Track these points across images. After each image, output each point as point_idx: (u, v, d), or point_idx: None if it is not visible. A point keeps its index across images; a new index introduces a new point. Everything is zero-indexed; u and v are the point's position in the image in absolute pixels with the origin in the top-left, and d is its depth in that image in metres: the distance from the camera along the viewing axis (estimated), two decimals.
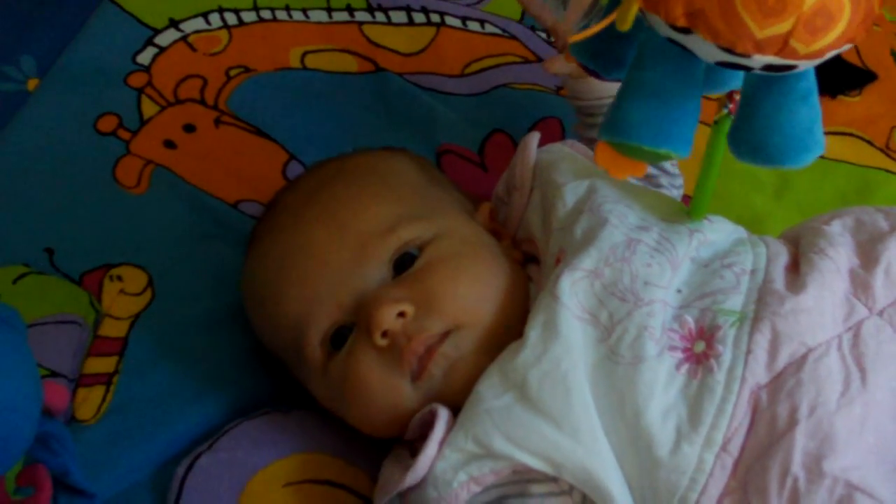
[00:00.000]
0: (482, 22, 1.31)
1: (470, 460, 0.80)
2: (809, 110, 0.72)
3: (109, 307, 1.01)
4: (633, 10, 0.68)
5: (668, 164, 1.03)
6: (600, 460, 0.78)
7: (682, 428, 0.77)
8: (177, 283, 1.04)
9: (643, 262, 0.84)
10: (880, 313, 0.81)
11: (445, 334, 0.84)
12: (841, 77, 1.25)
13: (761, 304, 0.81)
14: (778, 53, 0.66)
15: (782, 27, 0.65)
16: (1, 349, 0.76)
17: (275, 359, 0.95)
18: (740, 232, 0.91)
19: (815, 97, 0.73)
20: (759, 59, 0.67)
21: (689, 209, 0.88)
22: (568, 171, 0.93)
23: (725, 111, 0.78)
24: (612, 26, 0.70)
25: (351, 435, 0.90)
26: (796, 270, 0.85)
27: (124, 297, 1.02)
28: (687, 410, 0.78)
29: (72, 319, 0.98)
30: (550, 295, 0.82)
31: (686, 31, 0.67)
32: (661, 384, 0.79)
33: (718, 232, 0.89)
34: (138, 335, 0.99)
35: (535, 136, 0.97)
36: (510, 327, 0.85)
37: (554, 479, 0.79)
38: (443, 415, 0.82)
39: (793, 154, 0.72)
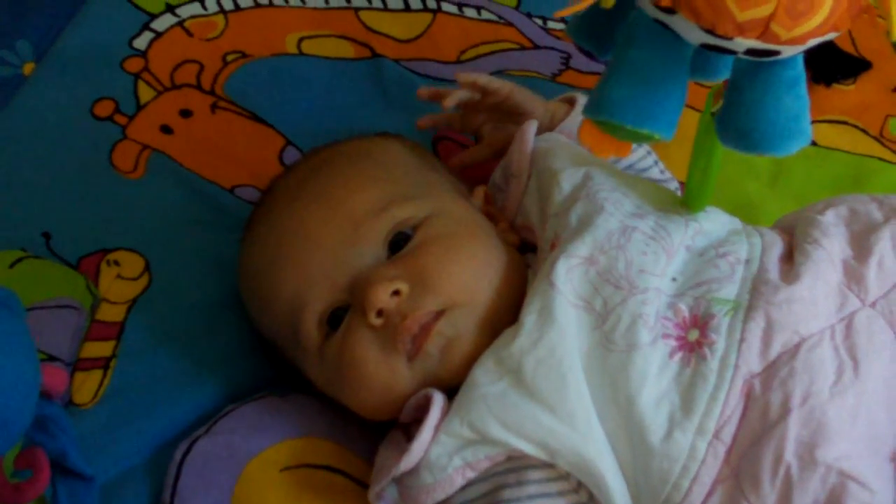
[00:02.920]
0: (478, 8, 1.31)
1: (465, 446, 0.80)
2: (795, 99, 0.72)
3: (106, 292, 1.01)
4: None
5: (656, 170, 1.03)
6: (595, 447, 0.78)
7: (675, 415, 0.78)
8: (174, 268, 1.04)
9: (638, 249, 0.84)
10: (872, 305, 0.81)
11: (440, 313, 0.84)
12: (835, 65, 1.24)
13: (755, 293, 0.81)
14: (759, 37, 0.66)
15: (763, 10, 0.65)
16: None
17: (271, 344, 0.95)
18: (735, 223, 0.91)
19: (802, 87, 0.73)
20: (741, 43, 0.67)
21: (685, 200, 0.88)
22: (565, 159, 0.93)
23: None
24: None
25: (349, 419, 0.90)
26: (790, 261, 0.85)
27: (121, 281, 1.02)
28: (679, 398, 0.78)
29: (69, 304, 0.98)
30: (546, 281, 0.83)
31: (670, 11, 0.67)
32: (653, 372, 0.79)
33: (714, 222, 0.89)
34: (135, 320, 0.99)
35: (532, 124, 0.97)
36: (506, 308, 0.85)
37: (550, 465, 0.79)
38: (438, 400, 0.82)
39: (777, 142, 0.72)
